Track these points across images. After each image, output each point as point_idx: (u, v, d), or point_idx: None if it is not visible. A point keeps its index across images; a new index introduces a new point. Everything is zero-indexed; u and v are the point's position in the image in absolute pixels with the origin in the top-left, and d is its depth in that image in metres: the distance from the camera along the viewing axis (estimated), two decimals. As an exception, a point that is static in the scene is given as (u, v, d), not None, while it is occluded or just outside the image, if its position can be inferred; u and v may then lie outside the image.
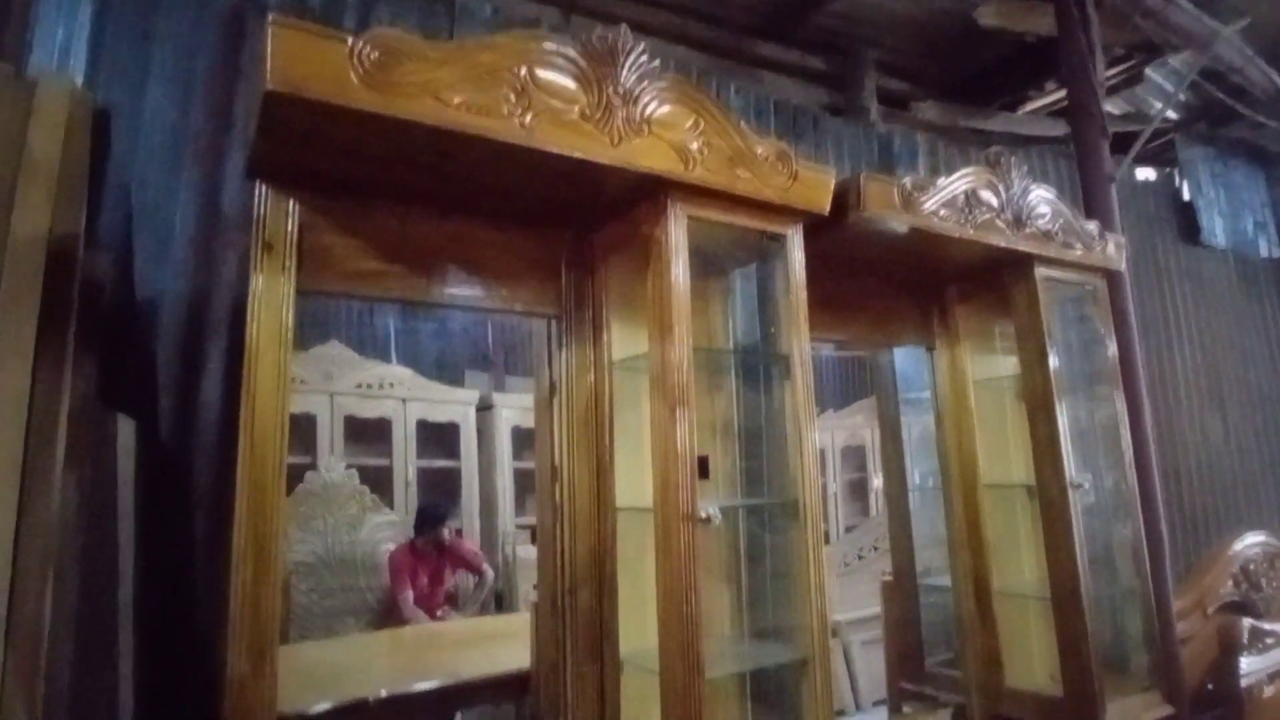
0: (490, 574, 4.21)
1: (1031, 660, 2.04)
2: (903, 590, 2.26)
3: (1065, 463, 1.89)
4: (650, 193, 1.36)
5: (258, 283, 1.18)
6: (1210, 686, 2.42)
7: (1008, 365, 2.17)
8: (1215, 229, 4.06)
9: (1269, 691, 2.32)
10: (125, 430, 1.38)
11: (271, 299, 1.20)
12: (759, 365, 1.59)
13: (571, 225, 1.52)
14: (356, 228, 1.32)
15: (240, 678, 1.14)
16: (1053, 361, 1.92)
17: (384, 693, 2.69)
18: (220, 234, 1.43)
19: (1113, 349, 2.14)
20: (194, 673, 1.30)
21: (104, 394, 1.33)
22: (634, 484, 1.44)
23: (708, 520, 1.28)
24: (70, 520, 1.21)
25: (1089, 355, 2.17)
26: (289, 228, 1.23)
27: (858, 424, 6.63)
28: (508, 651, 3.08)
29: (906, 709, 2.93)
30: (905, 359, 2.35)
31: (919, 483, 2.31)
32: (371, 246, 1.33)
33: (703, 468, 1.31)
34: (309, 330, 5.37)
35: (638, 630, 1.41)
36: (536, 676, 2.43)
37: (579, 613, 1.41)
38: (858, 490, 6.55)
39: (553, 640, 1.57)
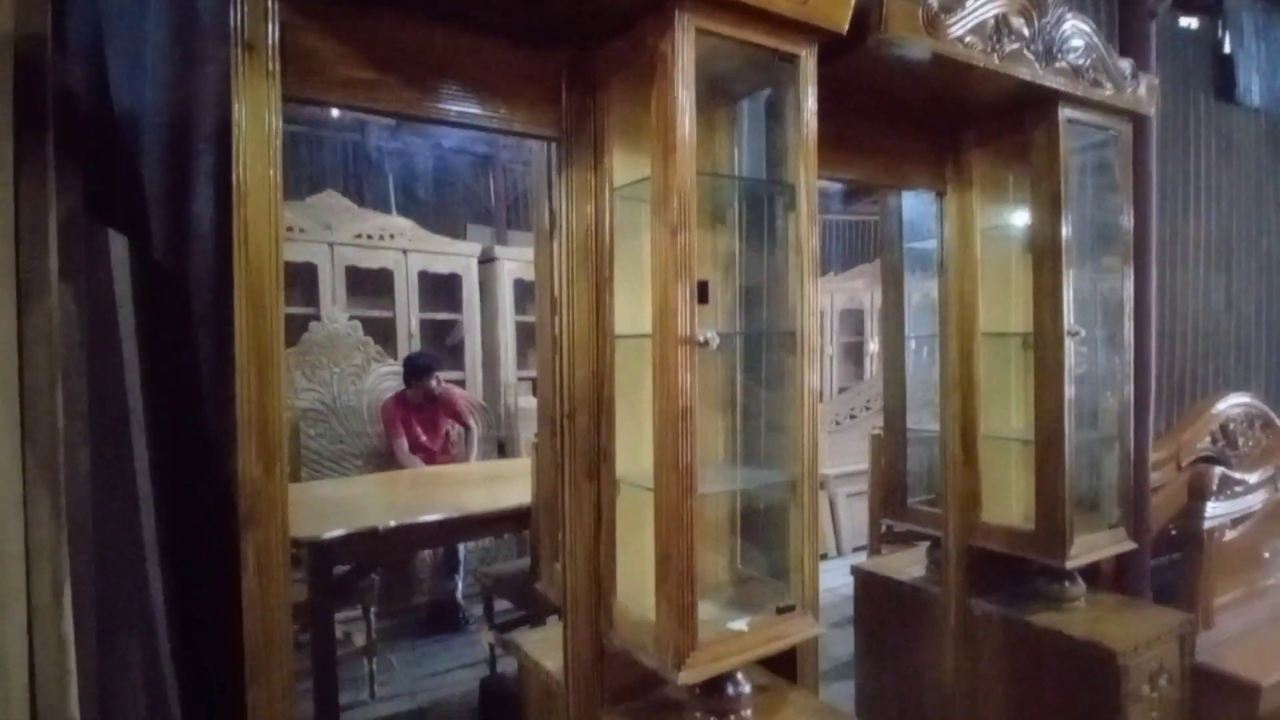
0: (475, 428, 4.32)
1: (1009, 499, 2.14)
2: (893, 436, 2.34)
3: (1065, 311, 1.90)
4: (657, 1, 1.26)
5: (240, 85, 1.13)
6: (1173, 531, 2.56)
7: (1018, 216, 2.12)
8: (1251, 86, 3.85)
9: (1230, 535, 2.44)
10: (118, 246, 1.36)
11: (256, 105, 1.14)
12: (763, 195, 1.55)
13: (574, 40, 1.43)
14: (345, 32, 1.24)
15: (253, 480, 1.19)
16: (1065, 209, 1.88)
17: (392, 523, 2.85)
18: (198, 37, 1.34)
19: (1127, 204, 2.09)
20: (209, 478, 1.36)
21: (92, 210, 1.30)
22: (633, 312, 1.45)
23: (705, 344, 1.29)
24: (71, 333, 1.22)
25: (1102, 207, 2.12)
26: (270, 28, 1.16)
27: (857, 288, 6.63)
28: (509, 490, 3.25)
29: (885, 551, 3.12)
30: (914, 207, 2.30)
31: (916, 334, 2.33)
32: (361, 54, 1.26)
33: (702, 292, 1.31)
34: (304, 181, 5.26)
35: (633, 452, 1.45)
36: (536, 507, 2.56)
37: (577, 436, 1.45)
38: (853, 353, 6.64)
39: (552, 464, 1.64)
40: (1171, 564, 2.60)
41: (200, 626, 1.38)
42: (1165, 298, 3.16)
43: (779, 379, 1.52)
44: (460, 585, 4.15)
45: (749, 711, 1.44)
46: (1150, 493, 2.26)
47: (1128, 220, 2.09)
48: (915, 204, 2.28)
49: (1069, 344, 1.89)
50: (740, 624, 1.39)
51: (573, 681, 1.47)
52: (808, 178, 1.42)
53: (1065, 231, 1.88)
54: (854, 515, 5.28)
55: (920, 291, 2.33)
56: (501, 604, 3.36)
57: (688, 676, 1.28)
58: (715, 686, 1.42)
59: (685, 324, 1.27)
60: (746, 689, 1.45)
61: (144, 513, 1.33)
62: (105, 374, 1.30)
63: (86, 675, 1.14)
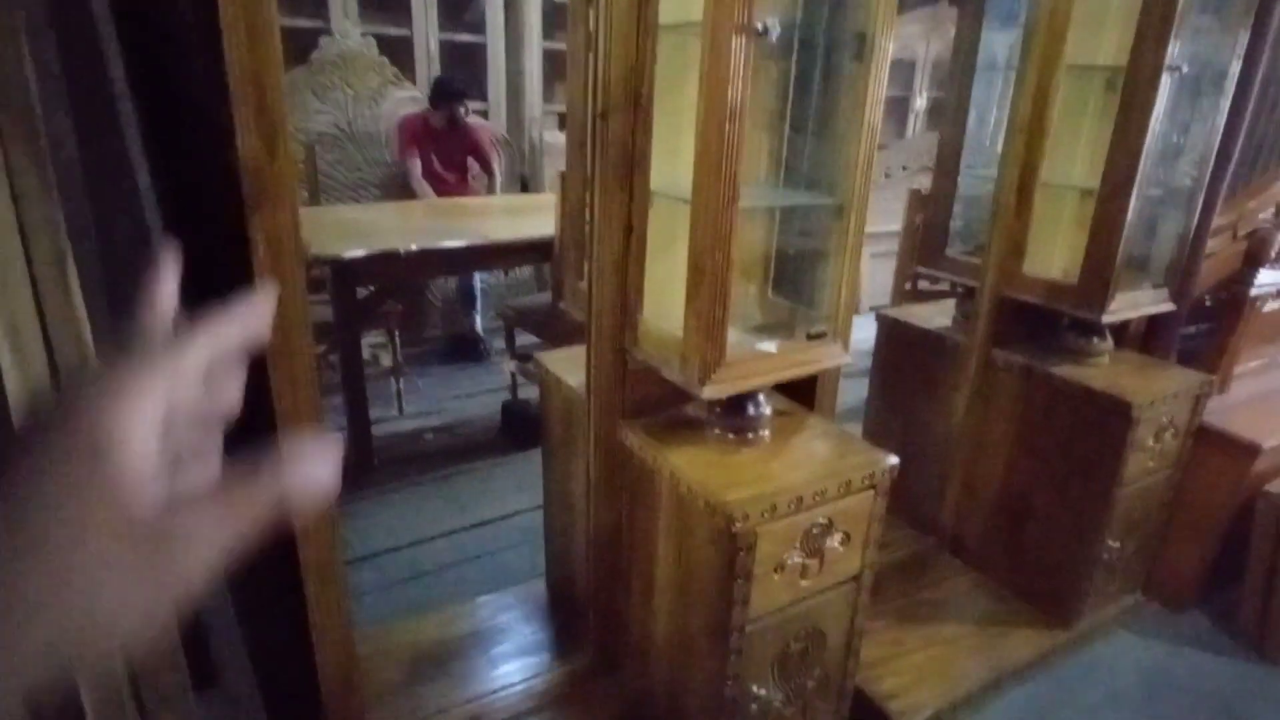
0: (498, 171, 4.11)
1: (1053, 252, 2.03)
2: (944, 178, 2.17)
3: (1169, 42, 1.64)
4: None
5: None
6: (1208, 302, 2.48)
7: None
8: None
9: (1271, 306, 2.36)
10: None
11: None
12: None
13: None
14: None
15: (254, 160, 1.09)
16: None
17: (414, 246, 2.81)
18: None
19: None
20: (210, 163, 1.26)
21: None
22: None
23: (764, 33, 1.11)
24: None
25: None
26: None
27: (912, 35, 5.94)
28: (532, 221, 3.16)
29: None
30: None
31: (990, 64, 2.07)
32: None
33: (768, -36, 1.09)
34: None
35: (670, 162, 1.33)
36: (562, 227, 2.49)
37: (610, 140, 1.31)
38: (897, 109, 6.13)
39: (580, 176, 1.52)
40: (1198, 334, 2.56)
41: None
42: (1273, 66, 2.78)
43: (838, 90, 1.34)
44: (479, 320, 4.24)
45: (766, 432, 1.47)
46: (1204, 256, 2.14)
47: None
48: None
49: (1165, 80, 1.66)
50: (769, 345, 1.36)
51: (595, 394, 1.49)
52: None
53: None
54: (877, 277, 5.22)
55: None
56: (523, 339, 3.43)
57: (712, 391, 1.27)
58: (736, 405, 1.43)
59: (744, 7, 1.07)
60: (766, 410, 1.46)
61: (143, 191, 1.24)
62: (77, 32, 1.15)
63: (107, 356, 1.13)
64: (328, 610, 1.31)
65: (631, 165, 1.33)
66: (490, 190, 4.13)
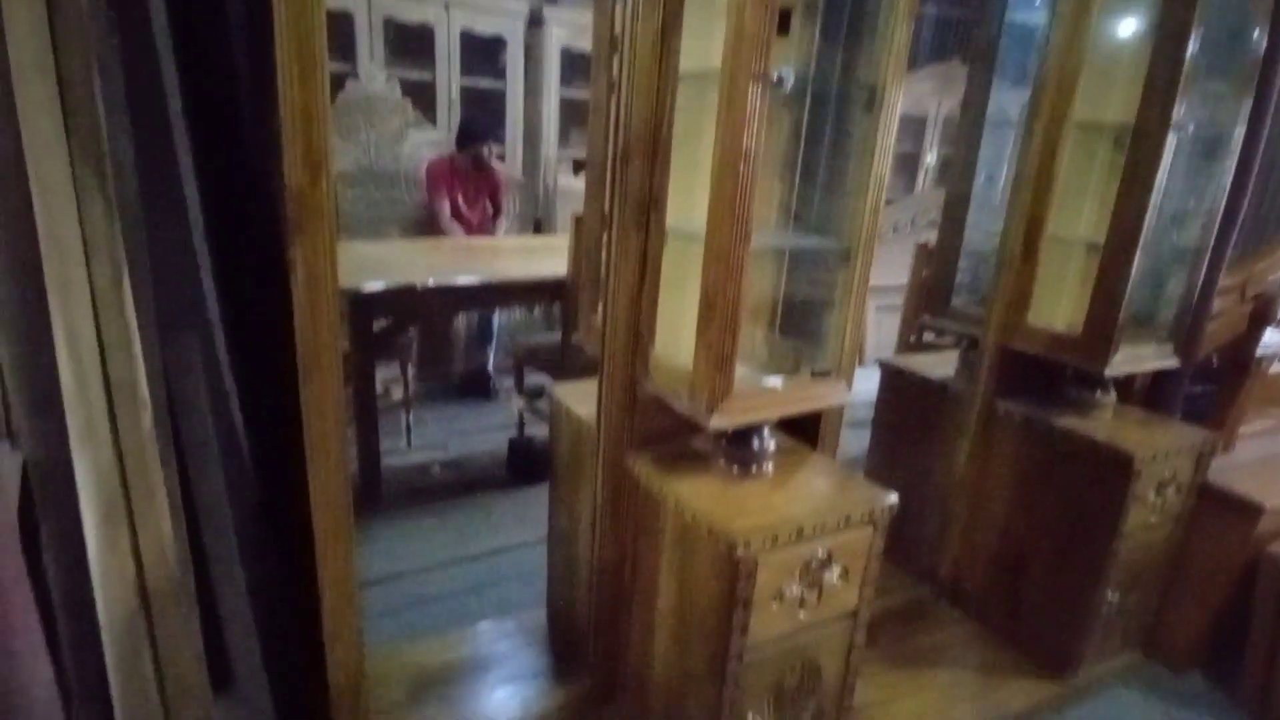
0: (505, 213, 4.24)
1: (1057, 304, 2.08)
2: (950, 228, 2.24)
3: (1176, 101, 1.72)
4: None
5: None
6: (1215, 362, 2.52)
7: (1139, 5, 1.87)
8: None
9: (1276, 367, 2.40)
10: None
11: None
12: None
13: None
14: None
15: (299, 186, 1.17)
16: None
17: (431, 281, 2.90)
18: None
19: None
20: (254, 188, 1.34)
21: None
22: (700, 47, 1.32)
23: (779, 83, 1.19)
24: (101, 23, 1.14)
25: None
26: None
27: (924, 92, 6.11)
28: (546, 262, 3.25)
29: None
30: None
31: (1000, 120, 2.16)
32: None
33: (783, 21, 1.18)
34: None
35: (685, 202, 1.40)
36: (577, 264, 2.56)
37: (629, 182, 1.39)
38: (907, 165, 6.27)
39: (599, 214, 1.60)
40: (1204, 394, 2.59)
41: (253, 333, 1.43)
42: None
43: (848, 139, 1.42)
44: (492, 357, 4.31)
45: (770, 466, 1.51)
46: (1208, 317, 2.19)
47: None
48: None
49: (1171, 139, 1.73)
50: (775, 381, 1.41)
51: (605, 423, 1.54)
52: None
53: (1196, 13, 1.65)
54: (882, 330, 5.28)
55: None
56: (531, 378, 3.49)
57: (719, 421, 1.32)
58: (741, 439, 1.47)
59: (760, 57, 1.16)
60: (770, 445, 1.50)
61: (192, 217, 1.32)
62: (140, 65, 1.24)
63: (153, 367, 1.19)
64: (341, 624, 1.34)
65: (648, 205, 1.41)
66: (494, 226, 4.24)
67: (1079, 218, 2.04)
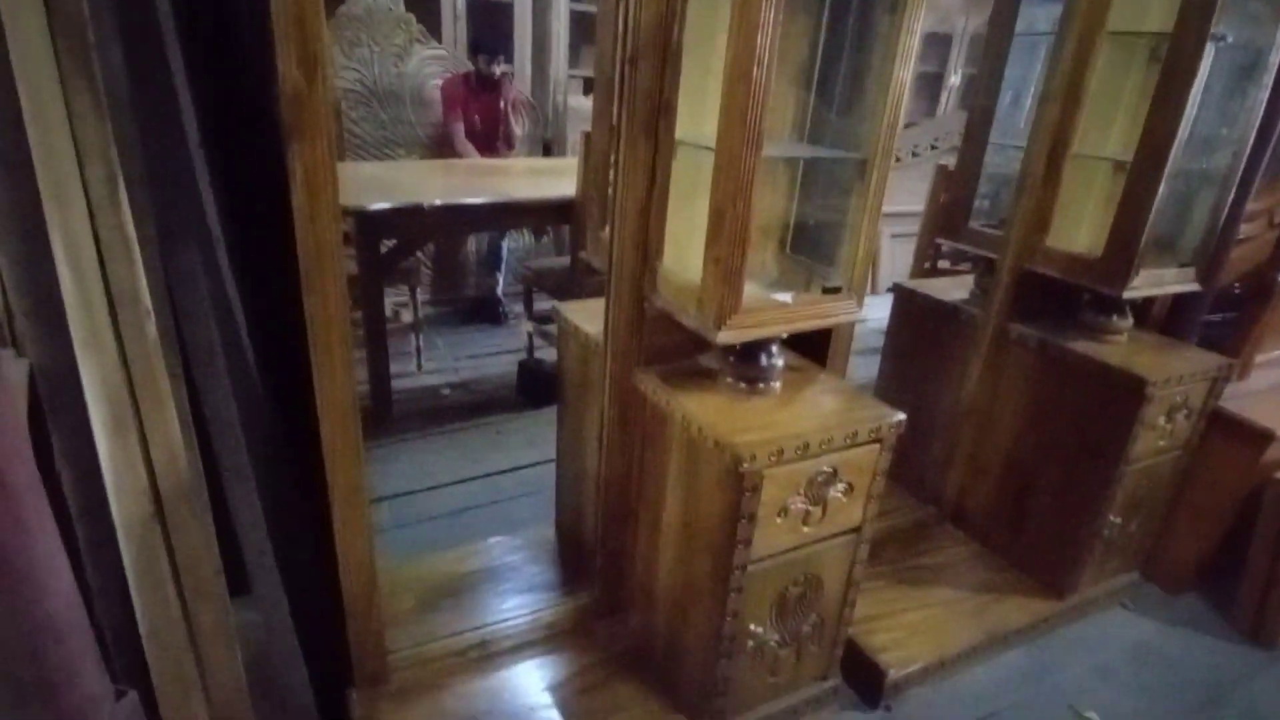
0: (517, 134, 4.13)
1: (1078, 226, 2.03)
2: (971, 148, 2.16)
3: (1216, 8, 1.62)
4: None
5: None
6: (1236, 289, 2.47)
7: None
8: None
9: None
10: None
11: None
12: None
13: None
14: None
15: (295, 88, 1.12)
16: None
17: (438, 201, 2.85)
18: None
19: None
20: (251, 96, 1.30)
21: None
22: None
23: (796, -22, 1.12)
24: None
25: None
26: None
27: (951, 7, 5.85)
28: (555, 183, 3.19)
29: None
30: None
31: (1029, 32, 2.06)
32: None
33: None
34: None
35: (696, 111, 1.34)
36: (584, 194, 2.52)
37: (638, 86, 1.33)
38: (929, 86, 6.04)
39: (606, 124, 1.55)
40: (1224, 322, 2.54)
41: (253, 243, 1.41)
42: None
43: (869, 43, 1.35)
44: (501, 282, 4.28)
45: (778, 384, 1.50)
46: (1235, 238, 2.13)
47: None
48: None
49: (1209, 50, 1.64)
50: (785, 296, 1.38)
51: (612, 339, 1.52)
52: None
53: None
54: (896, 257, 5.19)
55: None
56: (540, 304, 3.47)
57: (727, 336, 1.30)
58: (749, 355, 1.46)
59: (776, -52, 1.09)
60: (779, 363, 1.49)
61: (187, 123, 1.28)
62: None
63: (155, 276, 1.18)
64: (353, 533, 1.37)
65: (658, 113, 1.35)
66: (509, 148, 4.14)
67: (1107, 135, 1.96)
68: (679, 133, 1.36)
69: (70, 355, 1.09)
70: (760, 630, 1.47)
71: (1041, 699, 1.85)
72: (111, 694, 1.14)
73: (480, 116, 3.94)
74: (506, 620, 1.70)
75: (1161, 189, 1.76)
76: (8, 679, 1.14)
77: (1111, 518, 2.00)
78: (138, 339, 1.13)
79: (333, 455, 1.31)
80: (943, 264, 3.69)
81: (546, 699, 1.59)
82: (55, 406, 1.12)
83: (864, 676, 1.79)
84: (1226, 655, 2.07)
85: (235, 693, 1.33)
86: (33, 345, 1.10)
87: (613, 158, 1.42)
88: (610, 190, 1.45)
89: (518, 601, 1.77)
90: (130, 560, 1.17)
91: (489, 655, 1.66)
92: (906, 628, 1.89)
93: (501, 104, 3.96)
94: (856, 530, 1.49)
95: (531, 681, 1.62)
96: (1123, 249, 1.82)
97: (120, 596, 1.19)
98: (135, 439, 1.14)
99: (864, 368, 2.82)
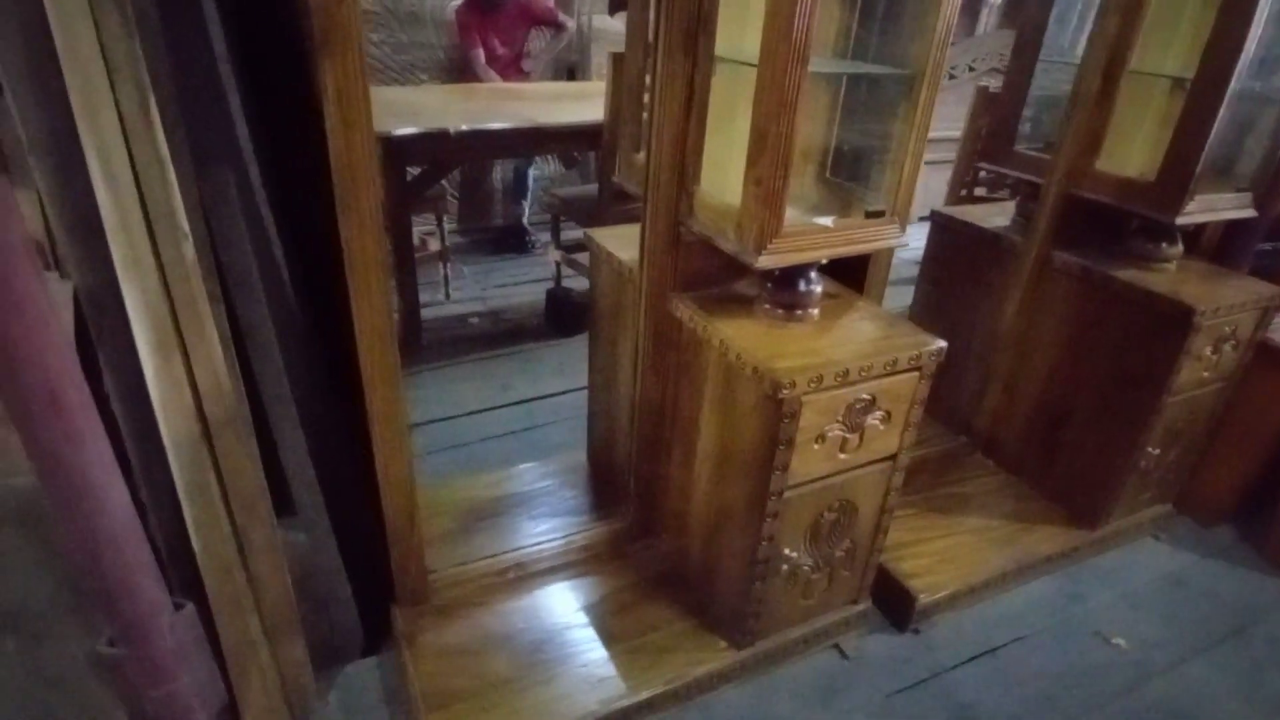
0: (570, 26, 3.99)
1: (1132, 147, 1.94)
2: (1020, 64, 2.06)
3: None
4: None
5: None
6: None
7: None
8: None
9: (1359, 222, 2.24)
10: None
11: None
12: None
13: None
14: None
15: (323, 1, 1.08)
16: None
17: (464, 126, 2.79)
18: None
19: None
20: (281, 8, 1.26)
21: None
22: None
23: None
24: None
25: None
26: None
27: (1002, -82, 5.50)
28: (582, 108, 3.10)
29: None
30: None
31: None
32: None
33: None
34: None
35: (737, 27, 1.29)
36: (612, 120, 2.44)
37: (675, 2, 1.27)
38: (969, 3, 5.73)
39: (641, 40, 1.49)
40: (1275, 251, 2.45)
41: (285, 166, 1.39)
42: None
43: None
44: (527, 210, 4.23)
45: (816, 311, 1.47)
46: (1293, 161, 2.02)
47: None
48: None
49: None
50: (826, 220, 1.35)
51: (648, 264, 1.50)
52: None
53: None
54: (930, 188, 5.02)
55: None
56: (568, 233, 3.43)
57: (768, 261, 1.27)
58: (787, 281, 1.43)
59: None
60: (817, 289, 1.46)
61: (215, 39, 1.25)
62: None
63: (189, 199, 1.17)
64: (393, 455, 1.40)
65: (697, 27, 1.29)
66: (555, 42, 4.02)
67: (1167, 51, 1.85)
68: (719, 48, 1.31)
69: (112, 277, 1.10)
70: (794, 554, 1.49)
71: (1068, 626, 1.88)
72: (170, 605, 1.19)
73: (500, 40, 3.81)
74: (542, 543, 1.74)
75: (1223, 109, 1.67)
76: (73, 589, 1.19)
77: (1150, 449, 1.98)
78: (177, 261, 1.13)
79: (371, 377, 1.32)
80: (979, 191, 3.57)
81: (582, 618, 1.64)
82: (101, 328, 1.14)
83: (894, 601, 1.82)
84: (1257, 586, 2.07)
85: (285, 607, 1.38)
86: (76, 268, 1.11)
87: (648, 78, 1.37)
88: (645, 112, 1.40)
89: (552, 525, 1.80)
90: (180, 478, 1.20)
91: (525, 576, 1.71)
92: (936, 554, 1.90)
93: (523, 19, 3.83)
94: (892, 458, 1.48)
95: (567, 601, 1.67)
96: (1178, 173, 1.74)
97: (173, 514, 1.22)
98: (179, 360, 1.15)
99: (896, 297, 2.76)
